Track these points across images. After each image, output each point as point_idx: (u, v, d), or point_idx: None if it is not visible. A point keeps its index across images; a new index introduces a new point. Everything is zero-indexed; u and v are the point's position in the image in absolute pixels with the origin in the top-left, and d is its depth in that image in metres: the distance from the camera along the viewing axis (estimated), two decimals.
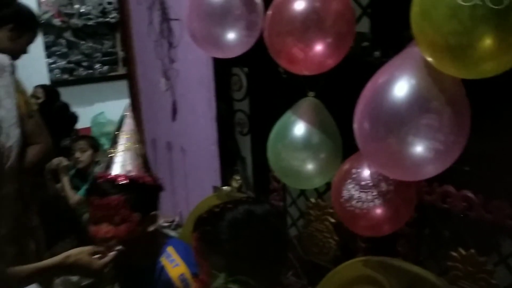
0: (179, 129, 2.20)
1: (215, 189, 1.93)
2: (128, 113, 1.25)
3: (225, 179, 1.95)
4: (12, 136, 1.52)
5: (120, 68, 4.95)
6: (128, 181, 1.18)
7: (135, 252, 1.21)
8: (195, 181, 2.17)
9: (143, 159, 1.22)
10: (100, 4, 4.98)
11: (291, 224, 1.77)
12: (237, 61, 1.72)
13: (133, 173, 1.19)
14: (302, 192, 1.70)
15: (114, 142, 1.22)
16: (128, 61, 2.48)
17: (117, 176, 1.18)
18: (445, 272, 1.19)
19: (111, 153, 1.21)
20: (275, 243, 1.11)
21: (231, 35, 1.48)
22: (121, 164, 1.19)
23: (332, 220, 1.55)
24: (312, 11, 1.19)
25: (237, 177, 1.93)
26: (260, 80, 1.72)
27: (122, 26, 2.45)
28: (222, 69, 1.87)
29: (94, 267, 1.10)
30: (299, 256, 1.74)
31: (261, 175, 1.82)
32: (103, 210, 1.15)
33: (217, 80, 1.90)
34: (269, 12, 1.27)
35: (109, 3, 4.97)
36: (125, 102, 2.94)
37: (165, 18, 2.03)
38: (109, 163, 1.21)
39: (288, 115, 1.41)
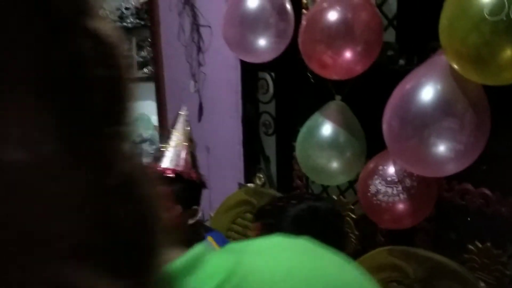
0: (205, 129, 2.31)
1: (240, 185, 2.03)
2: (183, 113, 1.35)
3: (249, 177, 2.06)
4: None
5: (135, 71, 5.08)
6: (174, 175, 1.27)
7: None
8: (218, 179, 2.28)
9: (192, 157, 1.31)
10: (118, 9, 5.12)
11: None
12: (264, 66, 1.84)
13: (180, 169, 1.28)
14: (324, 189, 1.80)
15: (167, 138, 1.32)
16: (155, 64, 2.60)
17: (165, 169, 1.27)
18: (462, 264, 1.29)
19: (163, 147, 1.31)
20: (335, 241, 1.17)
21: (263, 42, 1.59)
22: (170, 158, 1.29)
23: (353, 216, 1.65)
24: (343, 22, 1.31)
25: (260, 175, 2.04)
26: (287, 84, 1.83)
27: (150, 31, 2.57)
28: (249, 73, 1.98)
29: None
30: None
31: (285, 173, 1.93)
32: None
33: (244, 84, 2.01)
34: (304, 22, 1.38)
35: (127, 8, 5.11)
36: (139, 103, 3.08)
37: (196, 24, 2.15)
38: (159, 156, 1.31)
39: (316, 117, 1.51)
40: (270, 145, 1.99)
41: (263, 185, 2.00)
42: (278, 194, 1.69)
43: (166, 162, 1.29)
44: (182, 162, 1.30)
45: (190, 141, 1.33)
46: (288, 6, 1.58)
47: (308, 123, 1.54)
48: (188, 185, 1.29)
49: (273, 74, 1.88)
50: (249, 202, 1.72)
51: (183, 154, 1.30)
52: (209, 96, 2.25)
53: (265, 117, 1.96)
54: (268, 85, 1.90)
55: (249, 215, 1.68)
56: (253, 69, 1.95)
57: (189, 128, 1.36)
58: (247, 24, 1.59)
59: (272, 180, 2.01)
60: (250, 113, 2.02)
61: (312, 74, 1.60)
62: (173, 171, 1.28)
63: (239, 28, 1.60)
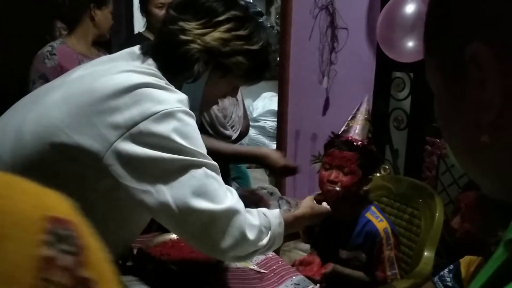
0: (329, 122, 2.53)
1: None
2: (367, 97, 1.57)
3: None
4: None
5: None
6: (362, 144, 1.49)
7: (346, 204, 1.52)
8: None
9: (370, 133, 1.52)
10: None
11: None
12: (402, 66, 2.04)
13: (365, 141, 1.49)
14: (455, 181, 1.97)
15: (353, 116, 1.55)
16: (282, 62, 2.85)
17: (355, 139, 1.49)
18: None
19: (351, 123, 1.53)
20: None
21: (416, 44, 1.79)
22: (356, 132, 1.51)
23: None
24: None
25: (386, 166, 2.23)
26: (426, 84, 2.00)
27: (282, 31, 2.81)
28: (384, 72, 2.18)
29: (321, 210, 1.31)
30: (443, 237, 2.01)
31: (414, 165, 2.11)
32: (338, 160, 1.47)
33: (377, 82, 2.21)
34: None
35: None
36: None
37: (333, 26, 2.38)
38: (348, 129, 1.52)
39: None
40: (400, 138, 2.18)
41: (387, 175, 2.19)
42: (414, 181, 1.87)
43: (354, 134, 1.50)
44: (363, 137, 1.50)
45: (370, 121, 1.53)
46: None
47: None
48: (370, 155, 1.50)
49: (411, 74, 2.07)
50: (386, 187, 1.90)
51: (365, 131, 1.51)
52: (337, 92, 2.47)
53: (397, 113, 2.15)
54: (404, 83, 2.10)
55: (385, 199, 1.87)
56: (389, 68, 2.15)
57: (369, 111, 1.57)
58: (403, 27, 1.79)
59: (399, 171, 2.20)
60: (380, 109, 2.21)
61: None
62: (361, 141, 1.48)
63: (395, 30, 1.81)
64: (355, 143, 1.46)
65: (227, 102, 1.90)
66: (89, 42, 2.10)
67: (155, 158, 0.87)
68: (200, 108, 1.14)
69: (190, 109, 1.01)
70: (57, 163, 0.89)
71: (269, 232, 1.02)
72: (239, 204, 0.96)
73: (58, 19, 3.48)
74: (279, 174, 1.52)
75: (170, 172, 0.88)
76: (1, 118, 0.99)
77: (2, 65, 3.30)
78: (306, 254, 2.04)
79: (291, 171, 1.52)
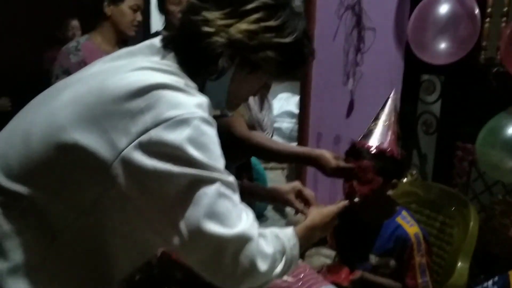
0: (353, 124, 2.46)
1: None
2: (392, 97, 1.50)
3: None
4: None
5: None
6: (377, 151, 1.43)
7: (372, 209, 1.47)
8: None
9: (396, 136, 1.46)
10: None
11: None
12: (432, 69, 1.96)
13: (385, 145, 1.43)
14: (488, 189, 1.89)
15: (376, 118, 1.49)
16: None
17: (370, 146, 1.43)
18: None
19: (371, 126, 1.47)
20: None
21: (448, 45, 1.72)
22: (377, 135, 1.45)
23: None
24: None
25: (413, 171, 2.16)
26: (458, 87, 1.94)
27: None
28: (413, 74, 2.11)
29: (330, 210, 1.19)
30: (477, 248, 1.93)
31: (443, 171, 2.04)
32: (356, 169, 1.42)
33: (405, 84, 2.14)
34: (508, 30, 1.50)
35: None
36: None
37: (359, 26, 2.31)
38: (368, 133, 1.47)
39: (499, 118, 1.62)
40: (428, 143, 2.10)
41: (415, 180, 2.11)
42: (445, 188, 1.80)
43: (373, 139, 1.44)
44: (387, 140, 1.44)
45: (397, 121, 1.47)
46: (477, 12, 1.69)
47: (491, 123, 1.64)
48: (389, 160, 1.44)
49: (442, 77, 1.99)
50: (415, 193, 1.83)
51: (389, 133, 1.45)
52: (362, 94, 2.40)
53: (426, 116, 2.08)
54: (434, 86, 2.02)
55: (414, 206, 1.80)
56: (417, 71, 2.08)
57: (396, 110, 1.50)
58: (436, 27, 1.72)
59: (427, 177, 2.13)
60: (408, 112, 2.14)
61: (495, 79, 1.71)
62: (377, 147, 1.42)
63: (427, 31, 1.74)
64: (371, 151, 1.41)
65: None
66: (112, 40, 2.06)
67: (163, 172, 0.77)
68: (227, 106, 1.04)
69: (216, 106, 0.91)
70: (64, 170, 0.81)
71: (284, 257, 0.92)
72: (252, 229, 0.85)
73: (77, 17, 3.48)
74: (330, 175, 1.45)
75: (180, 188, 0.78)
76: (11, 121, 0.91)
77: (14, 61, 3.30)
78: (329, 260, 1.99)
79: (344, 172, 1.43)
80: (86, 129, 0.79)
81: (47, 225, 0.82)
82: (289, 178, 3.71)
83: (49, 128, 0.82)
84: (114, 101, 0.79)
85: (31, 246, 0.82)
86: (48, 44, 3.33)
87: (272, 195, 1.38)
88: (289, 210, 1.69)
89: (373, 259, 1.50)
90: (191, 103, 0.82)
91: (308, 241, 1.09)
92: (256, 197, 1.47)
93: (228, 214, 0.81)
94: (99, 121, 0.79)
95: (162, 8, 2.19)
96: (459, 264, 1.56)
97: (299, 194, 1.33)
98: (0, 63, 3.24)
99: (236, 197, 0.84)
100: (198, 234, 0.79)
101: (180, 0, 2.06)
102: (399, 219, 1.48)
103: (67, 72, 1.83)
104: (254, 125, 1.74)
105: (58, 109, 0.83)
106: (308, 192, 1.33)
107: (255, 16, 0.88)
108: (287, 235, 0.96)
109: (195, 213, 0.78)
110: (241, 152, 1.69)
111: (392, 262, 1.47)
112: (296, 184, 1.36)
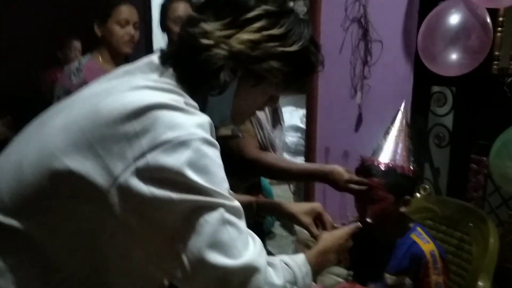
0: (362, 139, 2.41)
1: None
2: (402, 110, 1.46)
3: None
4: None
5: None
6: (387, 168, 1.38)
7: (385, 227, 1.42)
8: None
9: (408, 151, 1.41)
10: None
11: None
12: (442, 80, 1.91)
13: (396, 162, 1.39)
14: (505, 202, 1.82)
15: (385, 133, 1.44)
16: None
17: (380, 162, 1.39)
18: None
19: (381, 141, 1.42)
20: None
21: (460, 56, 1.67)
22: (388, 152, 1.40)
23: None
24: None
25: (426, 186, 2.09)
26: (470, 98, 1.88)
27: None
28: (422, 87, 2.06)
29: (343, 232, 1.15)
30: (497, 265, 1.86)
31: (458, 185, 1.97)
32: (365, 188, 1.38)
33: (415, 96, 2.09)
34: None
35: None
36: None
37: (366, 39, 2.27)
38: (378, 149, 1.42)
39: None
40: (441, 156, 2.04)
41: (428, 195, 2.05)
42: (462, 202, 1.74)
43: (383, 155, 1.40)
44: (398, 156, 1.40)
45: (408, 135, 1.43)
46: (489, 21, 1.65)
47: (505, 135, 1.58)
48: (400, 177, 1.39)
49: (453, 88, 1.94)
50: (430, 209, 1.77)
51: (400, 148, 1.40)
52: (371, 108, 2.35)
53: (438, 129, 2.02)
54: (446, 98, 1.97)
55: (429, 222, 1.74)
56: (428, 83, 2.03)
57: (407, 124, 1.46)
58: (446, 38, 1.67)
59: (440, 192, 2.06)
60: (419, 125, 2.09)
61: (510, 90, 1.66)
62: (386, 165, 1.38)
63: (437, 42, 1.69)
64: (381, 167, 1.36)
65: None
66: (111, 59, 2.04)
67: (162, 199, 0.72)
68: (232, 122, 0.99)
69: (220, 123, 0.86)
70: (59, 200, 0.76)
71: None
72: (259, 259, 0.79)
73: (79, 38, 3.47)
74: (343, 190, 1.41)
75: (180, 216, 0.73)
76: (4, 150, 0.86)
77: (13, 80, 3.29)
78: (340, 279, 1.93)
79: (357, 188, 1.40)
80: (80, 155, 0.74)
81: (44, 262, 0.77)
82: (296, 194, 3.64)
83: (41, 157, 0.76)
84: (108, 124, 0.74)
85: (26, 283, 0.76)
86: (47, 65, 3.34)
87: (288, 213, 1.30)
88: (298, 228, 1.64)
89: (388, 278, 1.45)
90: (191, 123, 0.76)
91: (322, 266, 1.03)
92: (272, 214, 1.44)
93: (232, 243, 0.75)
94: (93, 146, 0.74)
95: (164, 26, 2.16)
96: (479, 283, 1.49)
97: (318, 217, 1.27)
98: (1, 82, 3.23)
99: (241, 223, 0.79)
100: (201, 265, 0.73)
101: (181, 18, 2.04)
102: (413, 236, 1.43)
103: (68, 93, 1.80)
104: (266, 145, 1.69)
105: (50, 136, 0.78)
106: (327, 217, 1.27)
107: (257, 25, 0.84)
108: (298, 263, 0.90)
109: (197, 243, 0.73)
110: (251, 172, 1.66)
111: (408, 281, 1.42)
112: (317, 206, 1.29)
